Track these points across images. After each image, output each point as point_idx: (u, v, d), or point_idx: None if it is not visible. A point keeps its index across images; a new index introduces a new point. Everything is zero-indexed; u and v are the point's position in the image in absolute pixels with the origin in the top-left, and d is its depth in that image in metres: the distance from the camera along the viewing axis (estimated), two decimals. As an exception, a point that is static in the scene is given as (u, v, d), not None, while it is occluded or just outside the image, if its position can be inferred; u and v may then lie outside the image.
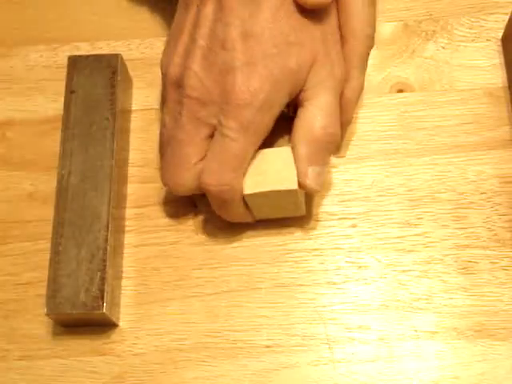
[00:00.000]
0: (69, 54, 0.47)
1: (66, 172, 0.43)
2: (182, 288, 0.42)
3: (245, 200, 0.41)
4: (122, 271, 0.43)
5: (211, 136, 0.40)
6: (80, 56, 0.46)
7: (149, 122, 0.47)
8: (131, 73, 0.48)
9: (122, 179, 0.45)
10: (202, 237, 0.43)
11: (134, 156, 0.46)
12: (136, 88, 0.48)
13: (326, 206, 0.44)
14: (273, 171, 0.40)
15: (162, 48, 0.43)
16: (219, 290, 0.42)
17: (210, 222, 0.44)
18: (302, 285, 0.42)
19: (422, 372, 0.40)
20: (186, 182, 0.41)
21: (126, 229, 0.44)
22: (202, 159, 0.40)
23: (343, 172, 0.45)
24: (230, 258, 0.43)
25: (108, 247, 0.41)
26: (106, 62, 0.45)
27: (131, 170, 0.45)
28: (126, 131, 0.46)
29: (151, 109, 0.47)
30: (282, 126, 0.42)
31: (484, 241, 0.42)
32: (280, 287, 0.42)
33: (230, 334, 0.41)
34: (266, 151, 0.41)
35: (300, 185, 0.40)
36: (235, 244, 0.43)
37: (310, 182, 0.40)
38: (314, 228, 0.43)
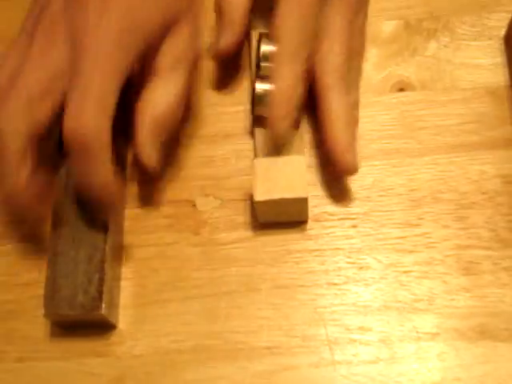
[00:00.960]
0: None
1: (64, 171, 0.42)
2: (182, 289, 0.42)
3: (253, 205, 0.41)
4: (120, 272, 0.43)
5: None
6: None
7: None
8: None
9: (123, 179, 0.44)
10: (201, 238, 0.43)
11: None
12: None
13: (327, 207, 0.43)
14: (284, 178, 0.40)
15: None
16: (219, 291, 0.42)
17: (209, 223, 0.43)
18: (302, 286, 0.42)
19: (423, 373, 0.40)
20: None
21: (125, 229, 0.44)
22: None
23: (344, 172, 0.44)
24: (229, 259, 0.43)
25: (106, 248, 0.40)
26: None
27: (131, 170, 0.45)
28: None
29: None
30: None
31: (486, 241, 0.42)
32: (280, 288, 0.42)
33: (229, 336, 0.41)
34: (278, 159, 0.41)
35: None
36: (235, 245, 0.43)
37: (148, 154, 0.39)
38: (314, 228, 0.43)
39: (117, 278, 0.42)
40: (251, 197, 0.41)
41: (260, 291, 0.42)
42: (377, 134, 0.45)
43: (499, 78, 0.46)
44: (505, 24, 0.47)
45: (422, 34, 0.48)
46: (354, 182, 0.44)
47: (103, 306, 0.39)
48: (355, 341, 0.40)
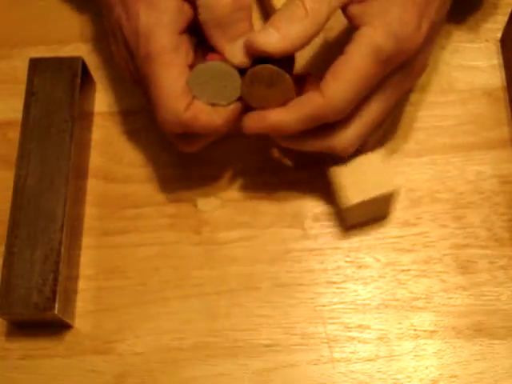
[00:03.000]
0: (69, 54, 0.47)
1: (23, 173, 0.43)
2: (182, 287, 0.42)
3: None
4: (78, 272, 0.43)
5: None
6: (41, 58, 0.46)
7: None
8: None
9: (81, 180, 0.45)
10: (202, 237, 0.44)
11: (130, 155, 0.46)
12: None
13: (326, 206, 0.44)
14: (370, 177, 0.40)
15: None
16: (219, 289, 0.42)
17: (209, 222, 0.44)
18: (301, 284, 0.42)
19: (421, 371, 0.40)
20: None
21: (126, 229, 0.44)
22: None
23: (343, 172, 0.45)
24: (229, 258, 0.43)
25: (62, 248, 0.41)
26: (67, 65, 0.45)
27: (127, 170, 0.46)
28: (87, 133, 0.46)
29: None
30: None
31: (483, 240, 0.42)
32: (280, 287, 0.42)
33: (229, 334, 0.41)
34: (358, 159, 0.40)
35: None
36: (235, 244, 0.43)
37: None
38: (313, 228, 0.43)
39: (74, 278, 0.42)
40: (338, 203, 0.40)
41: (260, 290, 0.42)
42: (375, 135, 0.46)
43: (496, 79, 0.46)
44: (501, 26, 0.47)
45: (420, 36, 0.48)
46: (353, 182, 0.44)
47: (57, 305, 0.39)
48: (354, 338, 0.41)
